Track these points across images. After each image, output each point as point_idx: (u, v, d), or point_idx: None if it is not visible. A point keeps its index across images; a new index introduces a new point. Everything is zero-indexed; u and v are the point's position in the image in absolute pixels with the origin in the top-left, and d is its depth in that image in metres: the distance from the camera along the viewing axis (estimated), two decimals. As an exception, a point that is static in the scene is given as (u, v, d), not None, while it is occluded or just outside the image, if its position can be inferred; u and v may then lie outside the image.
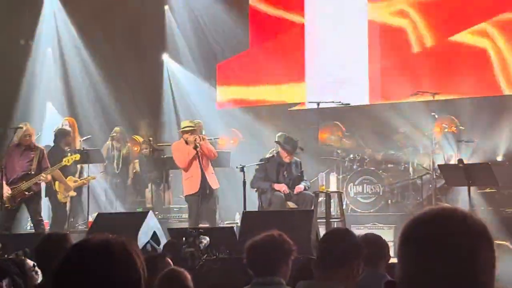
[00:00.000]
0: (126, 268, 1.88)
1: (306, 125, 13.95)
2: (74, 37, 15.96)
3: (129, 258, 1.91)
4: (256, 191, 11.13)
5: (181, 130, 11.43)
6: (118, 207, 13.53)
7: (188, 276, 4.18)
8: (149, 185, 14.03)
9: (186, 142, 11.13)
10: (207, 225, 10.71)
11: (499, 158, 12.85)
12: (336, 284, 3.48)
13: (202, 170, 11.05)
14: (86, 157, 12.16)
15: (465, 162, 10.06)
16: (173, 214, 13.35)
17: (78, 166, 12.59)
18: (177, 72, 16.42)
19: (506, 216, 10.72)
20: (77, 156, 11.53)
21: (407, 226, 1.49)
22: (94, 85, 15.88)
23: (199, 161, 11.05)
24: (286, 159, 11.09)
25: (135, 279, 1.90)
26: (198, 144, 10.94)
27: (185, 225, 11.59)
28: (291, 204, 10.81)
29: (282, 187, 10.89)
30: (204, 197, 11.06)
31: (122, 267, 1.87)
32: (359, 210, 12.28)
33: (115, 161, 13.76)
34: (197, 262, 7.45)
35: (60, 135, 12.21)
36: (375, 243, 4.97)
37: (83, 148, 12.58)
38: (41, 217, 11.11)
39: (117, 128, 14.14)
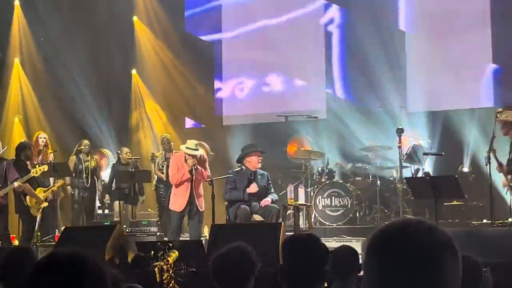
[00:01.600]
0: (95, 281, 1.88)
1: (275, 138, 13.98)
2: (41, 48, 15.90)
3: (99, 271, 1.90)
4: (228, 204, 11.11)
5: (186, 149, 11.30)
6: (86, 221, 13.42)
7: None
8: (118, 198, 13.95)
9: (186, 160, 11.16)
10: (177, 239, 10.67)
11: (465, 170, 12.99)
12: None
13: (191, 193, 11.10)
14: (53, 170, 12.08)
15: (431, 174, 10.14)
16: (141, 227, 13.26)
17: (51, 179, 12.55)
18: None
19: (473, 228, 10.81)
20: (45, 167, 11.44)
21: (372, 238, 1.50)
22: (61, 97, 15.80)
23: (191, 184, 11.09)
24: (256, 166, 11.08)
25: None
26: (193, 170, 10.99)
27: (153, 239, 11.55)
28: (257, 217, 10.80)
29: (254, 188, 10.91)
30: (189, 216, 11.14)
31: (91, 280, 1.86)
32: (327, 223, 12.32)
33: (84, 174, 13.66)
34: (165, 276, 7.40)
35: (20, 148, 12.08)
36: (348, 256, 4.98)
37: (51, 161, 12.49)
38: (7, 231, 10.98)
39: (85, 141, 14.04)
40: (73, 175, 13.42)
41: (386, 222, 1.52)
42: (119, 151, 14.27)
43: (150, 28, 16.56)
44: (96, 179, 13.71)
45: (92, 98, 15.88)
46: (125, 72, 16.45)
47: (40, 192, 11.97)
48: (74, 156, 13.68)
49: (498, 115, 9.99)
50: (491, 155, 9.75)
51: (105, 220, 13.63)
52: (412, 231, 1.47)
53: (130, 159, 14.12)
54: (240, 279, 3.96)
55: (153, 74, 16.48)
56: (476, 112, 13.42)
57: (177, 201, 11.23)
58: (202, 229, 11.86)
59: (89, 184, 13.61)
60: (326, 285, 5.49)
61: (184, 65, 16.38)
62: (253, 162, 11.06)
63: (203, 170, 11.17)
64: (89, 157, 13.68)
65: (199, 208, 11.13)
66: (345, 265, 4.84)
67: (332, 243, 10.09)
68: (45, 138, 13.09)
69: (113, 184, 14.08)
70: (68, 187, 13.58)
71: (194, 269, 7.99)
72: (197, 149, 11.18)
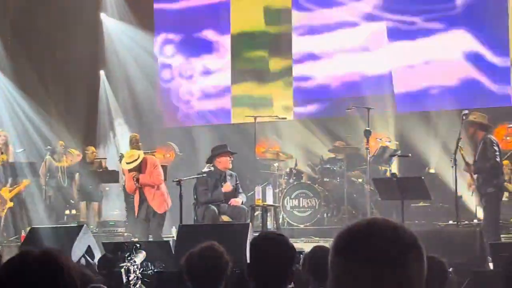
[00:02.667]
0: (65, 281, 1.87)
1: (243, 139, 14.00)
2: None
3: (68, 271, 1.90)
4: (196, 204, 11.08)
5: (126, 165, 11.30)
6: (53, 222, 13.33)
7: None
8: (83, 198, 13.87)
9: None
10: (143, 240, 10.63)
11: (432, 171, 13.11)
12: None
13: (142, 199, 11.09)
14: (13, 169, 12.02)
15: (398, 176, 10.21)
16: (108, 228, 13.19)
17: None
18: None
19: (439, 229, 10.91)
20: (4, 157, 11.36)
21: (338, 238, 1.51)
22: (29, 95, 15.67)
23: (139, 190, 11.08)
24: (226, 166, 11.09)
25: None
26: (136, 181, 10.99)
27: (121, 239, 11.49)
28: (224, 218, 10.80)
29: (229, 187, 10.92)
30: (147, 221, 11.12)
31: (60, 280, 1.86)
32: (295, 224, 12.35)
33: (59, 174, 13.58)
34: (132, 277, 7.37)
35: None
36: (324, 257, 4.96)
37: (13, 162, 12.43)
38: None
39: (60, 142, 13.98)
40: (48, 175, 13.36)
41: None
42: (87, 151, 14.18)
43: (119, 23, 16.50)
44: (70, 179, 13.67)
45: (59, 97, 15.74)
46: (93, 71, 16.34)
47: (4, 193, 11.85)
48: (49, 156, 13.61)
49: (464, 117, 10.10)
50: (459, 155, 9.85)
51: (72, 220, 13.55)
52: (377, 231, 1.47)
53: (96, 159, 14.04)
54: (213, 278, 3.93)
55: (120, 72, 16.39)
56: (442, 114, 13.55)
57: (133, 207, 11.29)
58: (169, 230, 11.83)
59: (65, 184, 13.56)
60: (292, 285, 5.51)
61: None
62: (224, 163, 11.06)
63: (151, 175, 11.12)
64: (64, 157, 13.64)
65: (156, 210, 11.07)
66: (322, 266, 4.84)
67: (300, 244, 10.12)
68: (5, 136, 12.96)
69: (77, 183, 14.00)
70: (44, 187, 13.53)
71: (161, 270, 7.96)
72: (135, 160, 11.17)
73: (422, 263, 1.48)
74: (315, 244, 5.95)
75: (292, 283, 3.56)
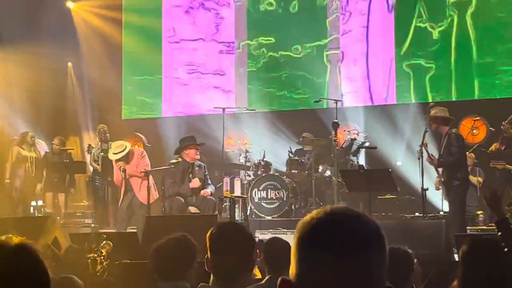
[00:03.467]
0: (37, 270, 1.88)
1: (211, 131, 14.00)
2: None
3: (39, 261, 1.91)
4: (164, 196, 11.08)
5: (113, 156, 11.29)
6: (20, 212, 13.26)
7: (82, 285, 4.04)
8: (50, 189, 13.78)
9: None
10: (111, 230, 10.61)
11: (399, 164, 13.22)
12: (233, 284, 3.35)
13: (127, 190, 11.10)
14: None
15: (365, 167, 10.30)
16: (76, 219, 13.11)
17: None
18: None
19: (405, 221, 11.01)
20: None
21: (300, 226, 1.52)
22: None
23: (126, 182, 11.07)
24: (194, 158, 11.10)
25: (46, 281, 1.91)
26: (122, 172, 10.99)
27: (88, 230, 11.44)
28: (192, 209, 10.80)
29: (196, 183, 10.92)
30: (130, 211, 11.15)
31: (35, 271, 1.87)
32: (263, 215, 12.37)
33: (29, 165, 13.48)
34: (99, 268, 7.34)
35: None
36: (282, 248, 5.00)
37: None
38: None
39: (30, 133, 13.86)
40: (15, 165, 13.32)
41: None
42: (54, 142, 14.08)
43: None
44: (40, 169, 13.62)
45: (27, 87, 15.59)
46: (61, 63, 16.20)
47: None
48: (17, 147, 13.51)
49: (430, 110, 10.22)
50: (423, 148, 9.96)
51: (39, 211, 13.46)
52: (339, 219, 1.48)
53: (63, 150, 13.95)
54: (180, 269, 3.92)
55: (88, 63, 16.29)
56: (411, 107, 13.65)
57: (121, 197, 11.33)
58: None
59: (33, 174, 13.48)
60: (260, 277, 5.53)
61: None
62: (191, 154, 11.07)
63: (137, 165, 11.11)
64: (32, 148, 13.56)
65: (142, 201, 11.07)
66: (279, 256, 4.87)
67: (267, 236, 10.14)
68: None
69: (44, 174, 13.91)
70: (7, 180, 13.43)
71: (128, 260, 7.94)
72: (122, 150, 11.15)
73: (384, 251, 1.49)
74: (282, 236, 5.98)
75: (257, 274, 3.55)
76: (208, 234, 3.30)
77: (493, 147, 11.63)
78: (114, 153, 11.21)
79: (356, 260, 1.44)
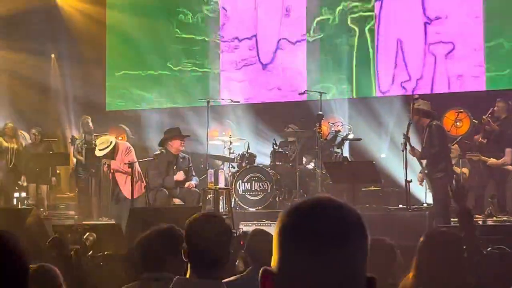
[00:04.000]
0: (16, 259, 1.88)
1: (196, 123, 14.01)
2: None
3: (19, 250, 1.91)
4: (148, 188, 11.07)
5: (99, 152, 11.32)
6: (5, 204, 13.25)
7: (59, 274, 4.03)
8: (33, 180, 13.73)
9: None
10: (94, 222, 10.60)
11: (383, 156, 13.26)
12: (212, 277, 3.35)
13: (114, 184, 11.11)
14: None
15: (350, 160, 10.33)
16: (59, 211, 13.07)
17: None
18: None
19: (389, 213, 11.04)
20: None
21: (283, 216, 1.52)
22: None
23: (113, 176, 11.11)
24: (180, 149, 11.09)
25: (25, 270, 1.91)
26: (108, 165, 10.99)
27: (71, 222, 11.41)
28: (176, 201, 10.79)
29: (181, 176, 10.92)
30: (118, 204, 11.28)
31: (12, 258, 1.87)
32: (247, 207, 12.37)
33: (8, 156, 13.42)
34: (82, 259, 7.32)
35: None
36: (264, 240, 5.02)
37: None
38: None
39: (9, 124, 13.78)
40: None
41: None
42: (32, 132, 14.01)
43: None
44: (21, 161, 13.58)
45: (9, 78, 15.51)
46: (44, 55, 16.13)
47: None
48: (0, 138, 13.47)
49: (413, 102, 10.28)
50: (405, 143, 10.02)
51: (22, 203, 13.41)
52: (321, 209, 1.48)
53: (46, 141, 13.91)
54: (164, 260, 3.90)
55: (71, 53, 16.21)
56: (395, 99, 13.69)
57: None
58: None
59: (11, 165, 13.41)
60: (243, 268, 5.54)
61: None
62: (176, 146, 11.06)
63: (122, 161, 11.09)
64: (14, 139, 13.51)
65: (126, 196, 11.06)
66: (261, 249, 4.89)
67: (252, 227, 10.14)
68: None
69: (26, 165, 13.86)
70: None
71: (112, 252, 7.93)
72: (107, 146, 11.12)
73: (365, 241, 1.49)
74: (266, 228, 6.00)
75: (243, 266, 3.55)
76: (186, 224, 3.32)
77: (476, 140, 11.74)
78: (100, 149, 11.18)
79: (338, 250, 1.44)
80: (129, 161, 11.03)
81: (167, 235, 3.98)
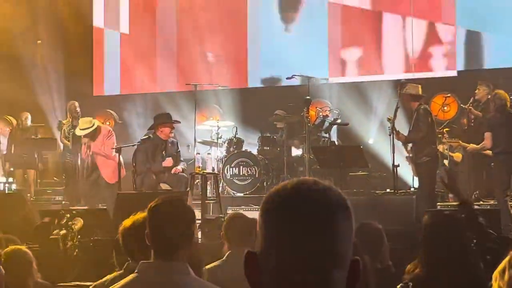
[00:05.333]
0: None
1: (185, 108, 13.97)
2: None
3: None
4: (135, 172, 11.03)
5: (80, 131, 11.29)
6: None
7: (32, 257, 4.00)
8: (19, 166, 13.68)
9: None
10: (81, 207, 10.56)
11: (371, 142, 13.27)
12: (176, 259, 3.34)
13: (94, 167, 11.10)
14: None
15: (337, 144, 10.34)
16: (46, 196, 13.03)
17: None
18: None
19: (376, 197, 11.06)
20: None
21: (267, 198, 1.51)
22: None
23: (91, 158, 11.08)
24: (169, 135, 11.07)
25: None
26: (88, 146, 10.94)
27: (59, 207, 11.37)
28: (164, 186, 10.77)
29: (169, 162, 10.90)
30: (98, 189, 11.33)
31: None
32: (235, 192, 12.38)
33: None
34: (69, 244, 7.31)
35: None
36: (243, 224, 5.04)
37: None
38: None
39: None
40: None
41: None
42: (21, 117, 13.94)
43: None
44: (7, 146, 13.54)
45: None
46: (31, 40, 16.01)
47: None
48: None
49: (400, 86, 10.29)
50: (393, 126, 10.03)
51: (9, 188, 13.37)
52: (306, 191, 1.48)
53: (32, 126, 13.85)
54: (148, 248, 3.88)
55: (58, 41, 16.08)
56: (384, 83, 13.68)
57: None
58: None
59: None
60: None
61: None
62: (166, 132, 11.04)
63: (103, 144, 11.04)
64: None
65: (107, 181, 11.03)
66: (240, 233, 4.92)
67: (239, 212, 10.14)
68: None
69: (12, 151, 13.80)
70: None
71: (99, 237, 7.92)
72: (89, 127, 11.09)
73: (350, 225, 1.49)
74: (254, 213, 6.00)
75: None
76: (148, 209, 3.32)
77: (462, 124, 11.79)
78: (81, 129, 11.15)
79: (322, 233, 1.44)
80: (117, 146, 10.98)
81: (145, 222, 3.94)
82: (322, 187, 1.49)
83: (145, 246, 3.86)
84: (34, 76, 15.76)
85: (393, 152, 10.18)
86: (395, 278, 4.77)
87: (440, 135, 11.30)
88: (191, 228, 3.34)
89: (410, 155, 10.32)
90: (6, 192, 12.62)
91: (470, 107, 11.43)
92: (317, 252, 1.43)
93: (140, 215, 4.05)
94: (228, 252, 4.99)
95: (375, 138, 13.29)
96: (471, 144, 11.01)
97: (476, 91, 11.42)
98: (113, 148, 10.94)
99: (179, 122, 11.58)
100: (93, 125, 11.14)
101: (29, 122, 13.90)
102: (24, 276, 3.88)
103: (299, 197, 1.47)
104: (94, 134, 11.05)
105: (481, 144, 10.59)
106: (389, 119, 10.14)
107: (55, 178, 14.40)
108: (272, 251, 1.45)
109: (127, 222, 4.04)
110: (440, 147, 11.29)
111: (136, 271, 3.30)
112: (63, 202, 12.34)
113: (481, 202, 10.96)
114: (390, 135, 10.12)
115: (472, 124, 11.52)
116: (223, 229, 5.20)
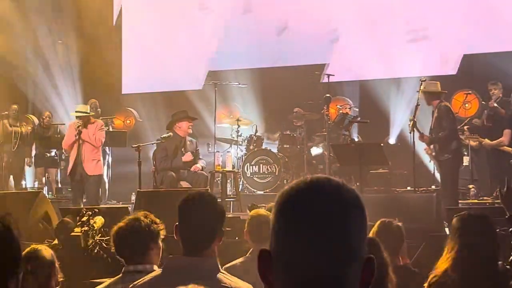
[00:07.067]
0: (9, 245, 1.88)
1: (204, 106, 13.99)
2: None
3: (12, 236, 1.91)
4: (155, 170, 11.05)
5: (74, 113, 11.29)
6: (15, 187, 13.28)
7: (52, 254, 3.99)
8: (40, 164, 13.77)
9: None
10: (103, 206, 10.59)
11: (392, 140, 13.22)
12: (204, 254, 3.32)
13: (78, 156, 10.95)
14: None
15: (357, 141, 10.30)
16: (66, 194, 13.10)
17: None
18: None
19: (396, 195, 11.03)
20: None
21: (280, 196, 1.50)
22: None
23: (78, 146, 10.93)
24: (187, 131, 11.07)
25: (17, 256, 1.91)
26: (79, 131, 10.85)
27: (80, 205, 11.42)
28: (184, 184, 10.78)
29: (189, 157, 10.89)
30: (78, 182, 11.06)
31: (5, 244, 1.88)
32: (255, 190, 12.38)
33: (14, 140, 13.44)
34: (90, 242, 7.33)
35: None
36: (264, 221, 5.03)
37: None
38: None
39: (13, 106, 13.78)
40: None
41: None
42: (43, 116, 14.02)
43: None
44: (27, 145, 13.59)
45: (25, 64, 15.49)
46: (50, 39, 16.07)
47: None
48: (6, 121, 13.49)
49: (421, 83, 10.25)
50: (413, 125, 9.97)
51: (31, 186, 13.48)
52: (319, 189, 1.47)
53: (53, 125, 13.93)
54: (143, 252, 3.86)
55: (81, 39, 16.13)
56: (402, 81, 13.60)
57: (69, 167, 11.24)
58: (128, 196, 11.80)
59: (15, 148, 13.41)
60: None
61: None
62: (184, 128, 11.04)
63: (94, 134, 11.00)
64: (18, 122, 13.54)
65: (87, 172, 10.96)
66: (261, 231, 4.92)
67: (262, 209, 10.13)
68: None
69: (33, 149, 13.89)
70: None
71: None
72: (86, 112, 11.10)
73: (363, 220, 1.48)
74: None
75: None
76: (178, 205, 3.34)
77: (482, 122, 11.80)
78: (76, 111, 11.20)
79: (335, 230, 1.43)
80: (137, 144, 10.97)
81: (138, 225, 3.92)
82: (335, 184, 1.48)
83: (136, 249, 3.85)
84: (57, 75, 15.84)
85: (414, 150, 10.14)
86: (415, 275, 4.75)
87: (460, 132, 11.23)
88: (217, 225, 3.35)
89: (433, 153, 10.27)
90: (28, 190, 12.71)
91: (494, 104, 11.47)
92: (330, 249, 1.43)
93: (132, 217, 4.04)
94: (251, 250, 5.02)
95: (395, 135, 13.24)
96: (485, 140, 11.04)
97: (494, 91, 11.58)
98: (133, 146, 10.94)
99: (196, 118, 11.58)
100: (88, 113, 11.20)
101: (51, 121, 13.98)
102: (48, 277, 3.87)
103: (312, 194, 1.46)
104: (87, 122, 11.04)
105: (497, 140, 10.57)
106: (411, 119, 10.08)
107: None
108: (285, 248, 1.45)
109: (118, 225, 4.03)
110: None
111: (163, 266, 3.32)
112: (84, 200, 12.38)
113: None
114: (410, 132, 10.07)
115: (491, 123, 11.50)
116: (246, 226, 5.22)
